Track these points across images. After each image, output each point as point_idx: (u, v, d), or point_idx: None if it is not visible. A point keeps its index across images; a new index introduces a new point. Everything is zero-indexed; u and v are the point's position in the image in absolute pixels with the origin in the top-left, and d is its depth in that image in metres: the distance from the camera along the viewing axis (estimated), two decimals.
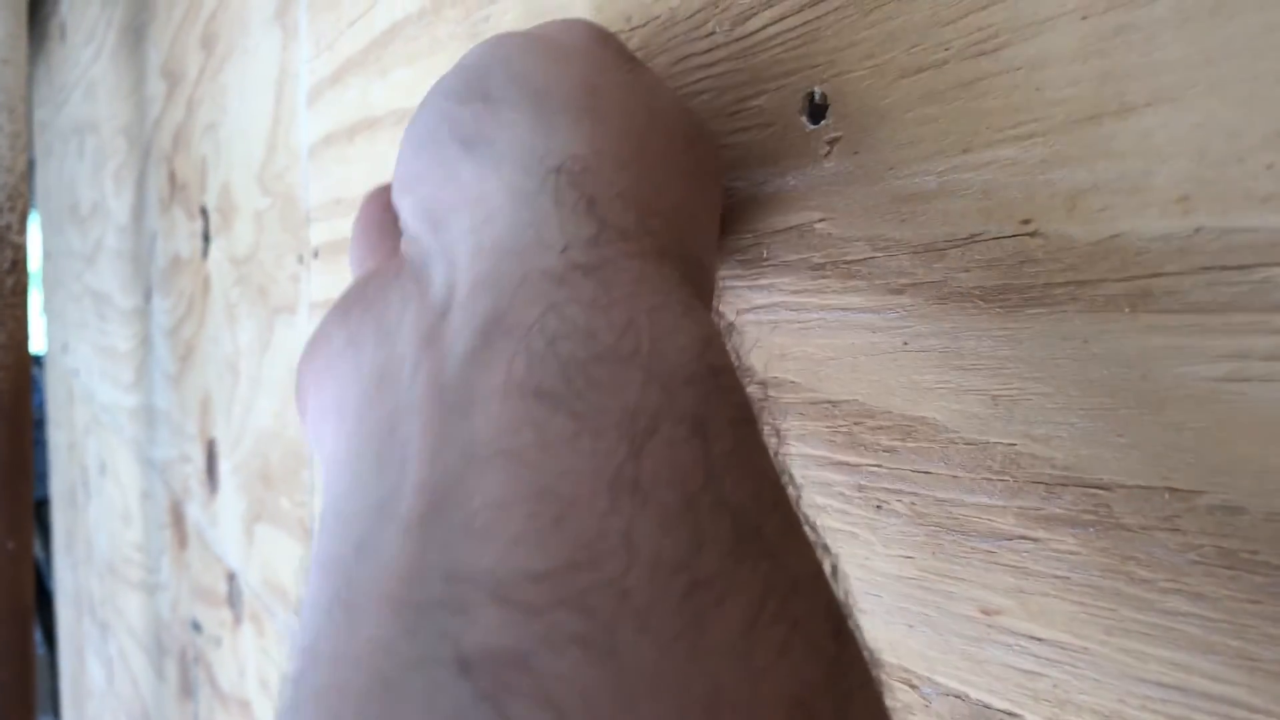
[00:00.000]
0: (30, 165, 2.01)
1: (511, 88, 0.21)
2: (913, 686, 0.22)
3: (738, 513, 0.15)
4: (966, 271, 0.21)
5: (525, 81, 0.22)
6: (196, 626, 0.92)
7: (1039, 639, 0.20)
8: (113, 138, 1.24)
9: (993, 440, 0.20)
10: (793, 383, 0.25)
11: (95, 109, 1.36)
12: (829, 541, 0.23)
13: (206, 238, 0.85)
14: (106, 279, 1.31)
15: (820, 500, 0.24)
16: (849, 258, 0.23)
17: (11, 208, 0.90)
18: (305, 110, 0.61)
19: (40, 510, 2.25)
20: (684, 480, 0.15)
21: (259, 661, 0.74)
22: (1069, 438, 0.19)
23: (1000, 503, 0.20)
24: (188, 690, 0.97)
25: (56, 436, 1.93)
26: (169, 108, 0.96)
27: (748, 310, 0.26)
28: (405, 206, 0.22)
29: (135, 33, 1.10)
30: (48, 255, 1.93)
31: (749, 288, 0.26)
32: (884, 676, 0.23)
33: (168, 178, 0.97)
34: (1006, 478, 0.20)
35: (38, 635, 2.30)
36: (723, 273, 0.27)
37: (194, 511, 0.91)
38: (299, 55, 0.62)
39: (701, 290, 0.21)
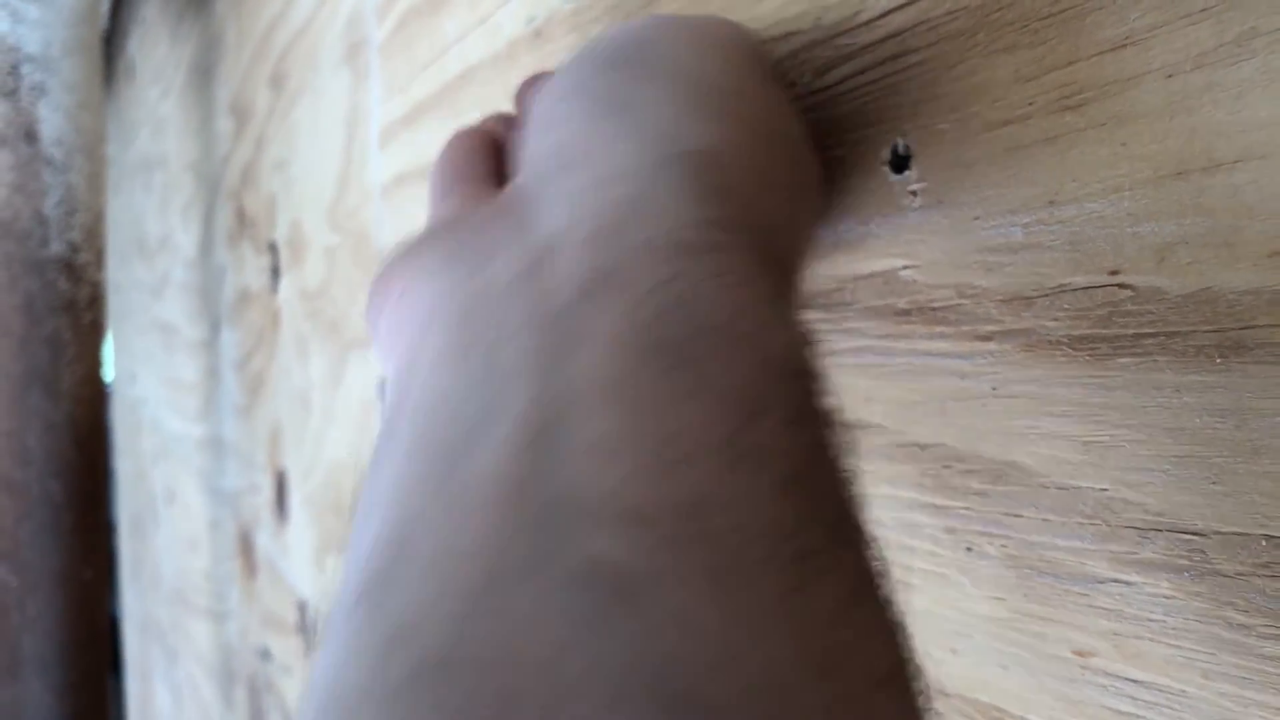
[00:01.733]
0: None
1: (668, 66, 0.23)
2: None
3: (836, 500, 0.16)
4: (1055, 320, 0.21)
5: (680, 65, 0.23)
6: (266, 655, 0.93)
7: (1135, 680, 0.20)
8: (180, 174, 1.28)
9: (1084, 485, 0.21)
10: (879, 425, 0.26)
11: (163, 146, 1.40)
12: (920, 582, 0.24)
13: (276, 273, 0.87)
14: (174, 311, 1.34)
15: (909, 542, 0.25)
16: (935, 304, 0.24)
17: (89, 246, 0.93)
18: (377, 150, 0.63)
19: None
20: (793, 459, 0.15)
21: None
22: (1162, 484, 0.19)
23: (1093, 546, 0.21)
24: (258, 716, 0.98)
25: (123, 465, 1.98)
26: (238, 145, 0.99)
27: (832, 353, 0.27)
28: (538, 145, 0.23)
29: (203, 72, 1.14)
30: (114, 288, 1.98)
31: (834, 330, 0.27)
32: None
33: (235, 213, 1.00)
34: (1099, 522, 0.21)
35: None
36: (807, 314, 0.28)
37: (264, 541, 0.93)
38: (371, 96, 0.64)
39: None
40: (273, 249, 0.87)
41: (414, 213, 0.56)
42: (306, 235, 0.78)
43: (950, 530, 0.24)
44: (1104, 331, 0.20)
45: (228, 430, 1.06)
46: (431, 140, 0.54)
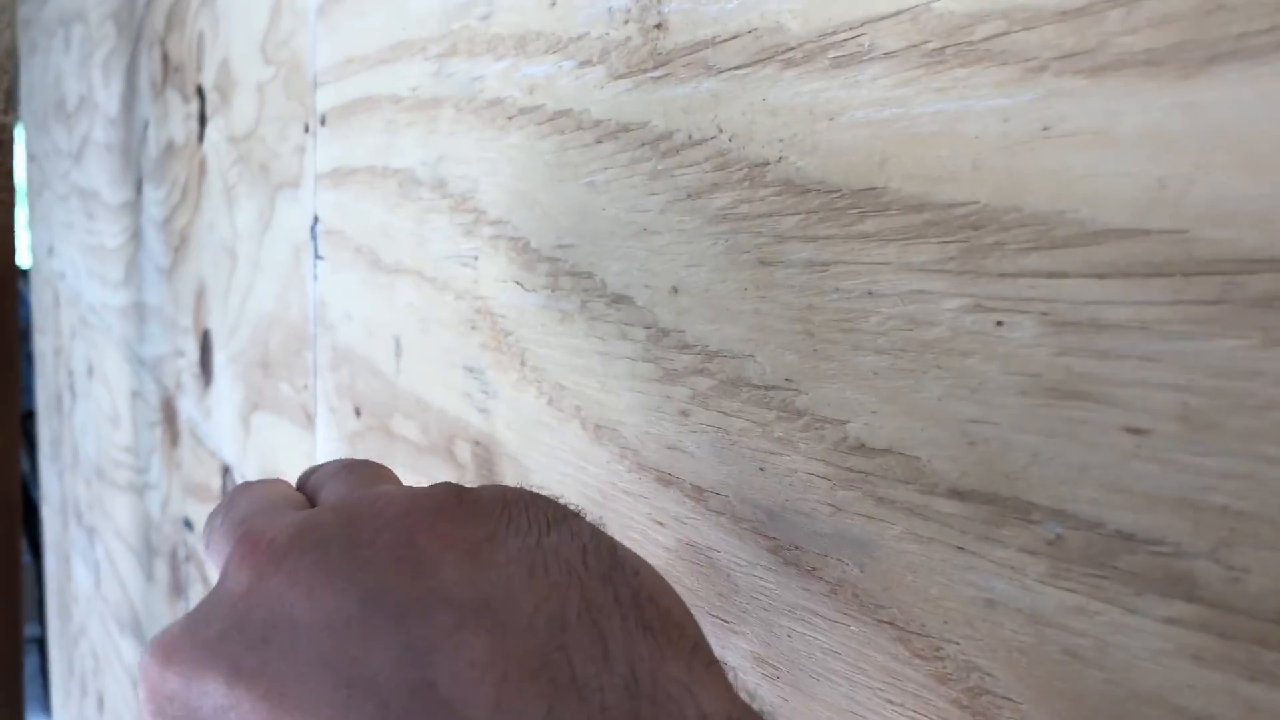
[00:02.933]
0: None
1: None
2: (1032, 521, 0.20)
3: None
4: (1133, 34, 0.18)
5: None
6: (188, 524, 0.89)
7: (1204, 454, 0.17)
8: (100, 25, 1.19)
9: (1155, 229, 0.17)
10: (894, 190, 0.22)
11: None
12: (932, 369, 0.20)
13: (203, 120, 0.80)
14: (94, 175, 1.26)
15: (925, 321, 0.22)
16: (976, 37, 0.20)
17: None
18: None
19: (26, 424, 2.22)
20: None
21: None
22: (1263, 211, 0.16)
23: (1163, 298, 0.17)
24: (178, 589, 0.94)
25: (42, 344, 1.89)
26: None
27: (842, 114, 0.23)
28: None
29: None
30: (32, 158, 1.87)
31: (843, 86, 0.23)
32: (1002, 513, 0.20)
33: (160, 61, 0.93)
34: (1172, 271, 0.17)
35: (23, 544, 2.28)
36: (811, 90, 0.24)
37: (186, 406, 0.88)
38: None
39: None
40: (200, 94, 0.81)
41: (356, 28, 0.51)
42: (235, 74, 0.72)
43: (977, 303, 0.21)
44: (1198, 37, 0.17)
45: (150, 294, 1.00)
46: None
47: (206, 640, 0.20)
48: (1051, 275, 0.19)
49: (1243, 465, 0.16)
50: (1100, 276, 0.18)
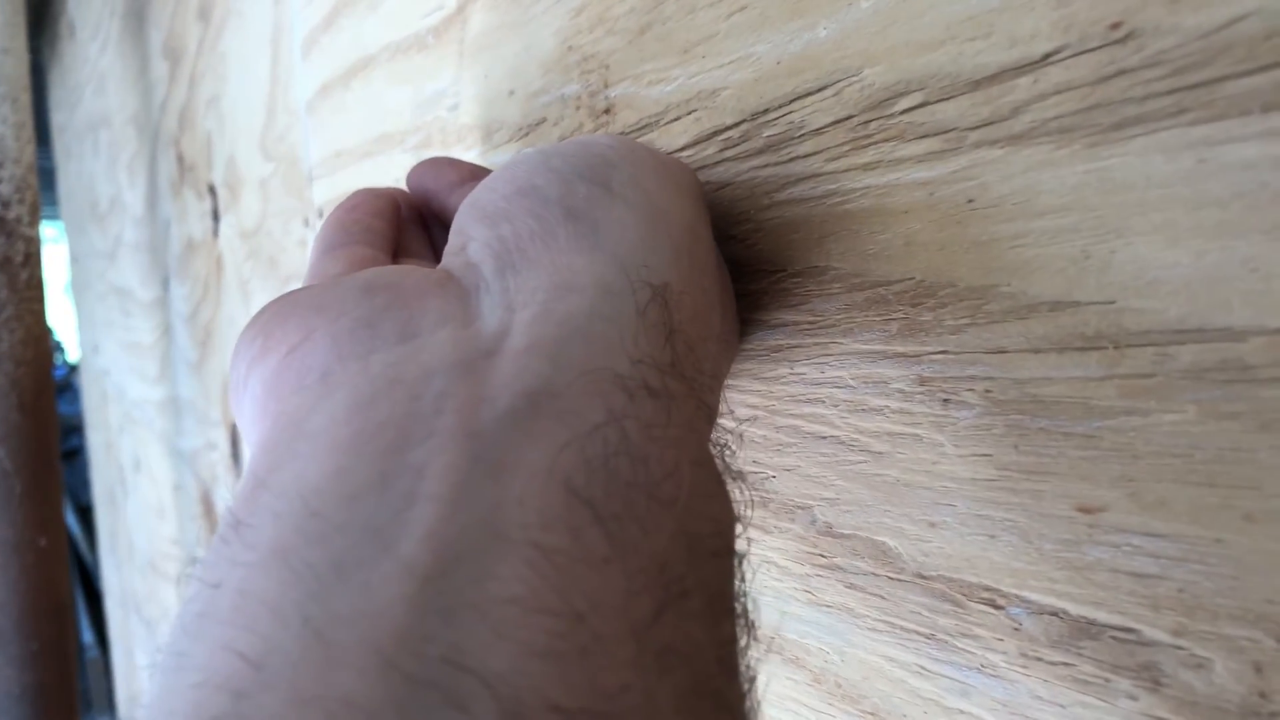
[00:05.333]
0: (53, 170, 2.01)
1: (635, 192, 0.21)
2: (997, 607, 0.19)
3: (734, 711, 0.15)
4: (1042, 101, 0.17)
5: (648, 196, 0.21)
6: None
7: (1156, 535, 0.16)
8: (123, 128, 1.22)
9: (1084, 301, 0.17)
10: (835, 270, 0.22)
11: (106, 102, 1.34)
12: (889, 448, 0.20)
13: (216, 216, 0.82)
14: (127, 273, 1.29)
15: (875, 403, 0.21)
16: (898, 109, 0.20)
17: (20, 200, 0.88)
18: (301, 64, 0.58)
19: (87, 515, 2.26)
20: (700, 663, 0.14)
21: None
22: (1185, 280, 0.15)
23: (1098, 374, 0.17)
24: None
25: (94, 439, 1.93)
26: (173, 88, 0.94)
27: (780, 191, 0.23)
28: (476, 233, 0.21)
29: (137, 17, 1.08)
30: (74, 259, 1.92)
31: (776, 177, 0.23)
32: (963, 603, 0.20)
33: (176, 160, 0.95)
34: (1104, 344, 0.16)
35: (91, 637, 2.32)
36: (750, 169, 0.24)
37: (223, 498, 0.89)
38: (291, 8, 0.59)
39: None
40: (212, 191, 0.83)
41: (340, 123, 0.52)
42: (241, 170, 0.73)
43: (922, 381, 0.20)
44: (1103, 102, 0.16)
45: (183, 388, 1.02)
46: (351, 41, 0.49)
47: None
48: (989, 351, 0.19)
49: (1194, 548, 0.16)
50: (1036, 351, 0.18)
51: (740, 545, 0.17)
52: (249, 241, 0.73)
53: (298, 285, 0.65)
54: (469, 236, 0.21)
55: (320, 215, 0.57)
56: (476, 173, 0.29)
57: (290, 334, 0.18)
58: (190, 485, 1.03)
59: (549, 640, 0.13)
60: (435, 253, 0.28)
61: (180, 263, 0.97)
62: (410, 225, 0.29)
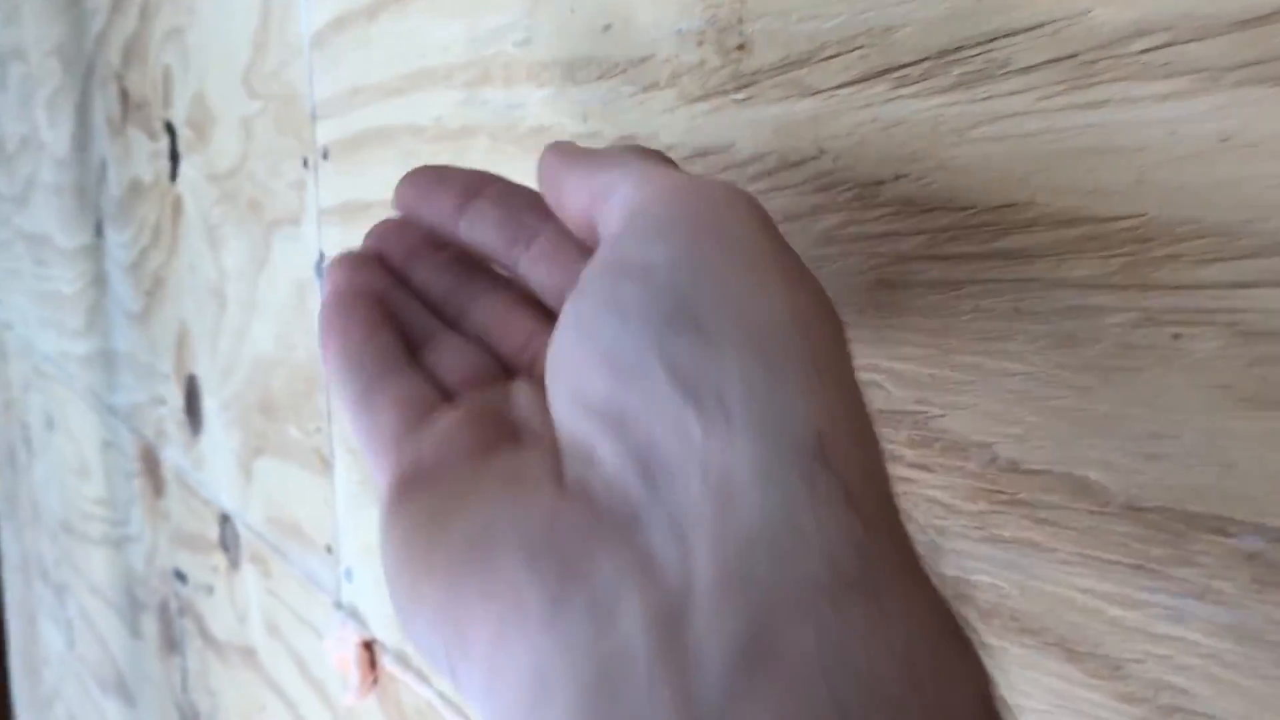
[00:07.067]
0: None
1: (728, 322, 0.18)
2: (1228, 535, 0.19)
3: None
4: None
5: (742, 313, 0.18)
6: (180, 576, 0.86)
7: None
8: (43, 62, 1.15)
9: None
10: (1039, 205, 0.22)
11: (20, 33, 1.26)
12: (1098, 383, 0.20)
13: (174, 157, 0.78)
14: (43, 219, 1.22)
15: (1084, 338, 0.21)
16: (1134, 49, 0.20)
17: None
18: None
19: None
20: None
21: (266, 604, 0.69)
22: None
23: None
24: (171, 644, 0.91)
25: None
26: (116, 19, 0.88)
27: (973, 129, 0.23)
28: (598, 440, 0.18)
29: None
30: None
31: (967, 115, 0.23)
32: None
33: (119, 97, 0.90)
34: None
35: None
36: (932, 107, 0.24)
37: (172, 455, 0.85)
38: None
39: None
40: (170, 130, 0.78)
41: (359, 59, 0.50)
42: (214, 109, 0.70)
43: (1148, 316, 0.20)
44: None
45: (119, 340, 0.97)
46: None
47: None
48: (1236, 286, 0.19)
49: None
50: None
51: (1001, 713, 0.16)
52: (221, 184, 0.69)
53: (289, 229, 0.62)
54: (590, 444, 0.19)
55: (325, 156, 0.54)
56: (471, 186, 0.28)
57: (477, 626, 0.18)
58: (126, 442, 0.98)
59: None
60: (436, 307, 0.28)
61: (120, 207, 0.92)
62: (401, 294, 0.27)
